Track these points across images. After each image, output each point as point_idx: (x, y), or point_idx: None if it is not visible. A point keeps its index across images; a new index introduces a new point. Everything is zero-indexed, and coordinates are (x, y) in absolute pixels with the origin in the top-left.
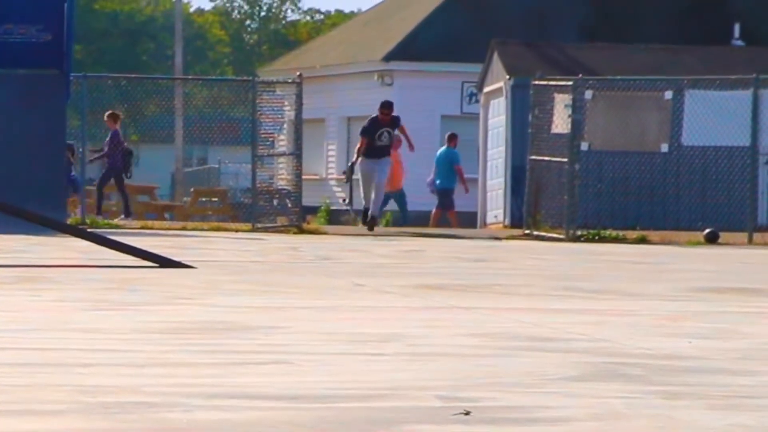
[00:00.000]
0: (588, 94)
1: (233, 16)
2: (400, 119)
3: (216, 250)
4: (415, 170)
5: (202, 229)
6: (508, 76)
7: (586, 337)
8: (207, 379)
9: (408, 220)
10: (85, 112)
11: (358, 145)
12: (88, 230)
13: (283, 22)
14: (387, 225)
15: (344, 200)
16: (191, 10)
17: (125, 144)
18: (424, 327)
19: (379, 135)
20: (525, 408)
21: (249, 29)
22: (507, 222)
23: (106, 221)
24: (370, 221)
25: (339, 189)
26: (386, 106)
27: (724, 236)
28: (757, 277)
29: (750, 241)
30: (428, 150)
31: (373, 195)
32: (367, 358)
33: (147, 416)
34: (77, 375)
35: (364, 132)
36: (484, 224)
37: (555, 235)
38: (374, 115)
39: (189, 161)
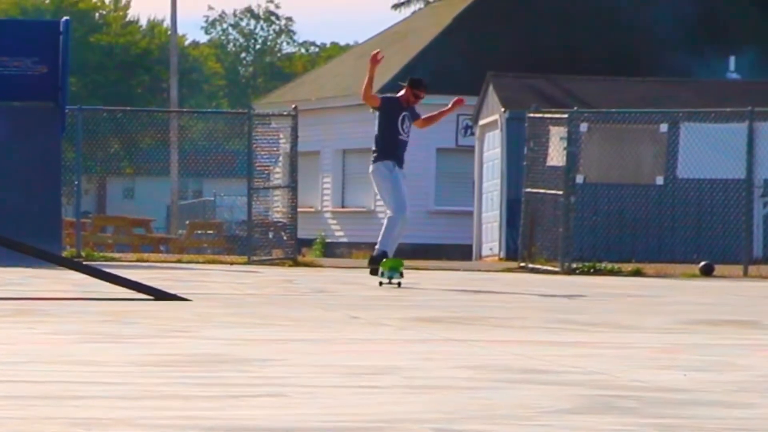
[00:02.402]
0: (583, 126)
1: (228, 49)
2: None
3: (211, 283)
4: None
5: (198, 262)
6: (503, 109)
7: (580, 369)
8: (202, 412)
9: None
10: (80, 145)
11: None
12: (84, 263)
13: (279, 54)
14: None
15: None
16: (186, 43)
17: None
18: (419, 359)
19: (401, 120)
20: None
21: (244, 62)
22: (502, 254)
23: (101, 254)
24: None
25: (334, 222)
26: (420, 84)
27: (719, 269)
28: (753, 310)
29: (745, 274)
30: (423, 183)
31: (384, 227)
32: (362, 390)
33: None
34: (71, 407)
35: (385, 104)
36: (480, 257)
37: (550, 268)
38: (396, 94)
39: (184, 194)
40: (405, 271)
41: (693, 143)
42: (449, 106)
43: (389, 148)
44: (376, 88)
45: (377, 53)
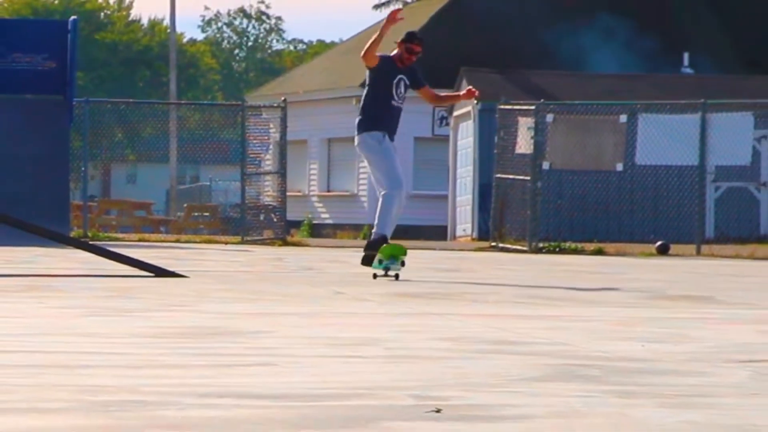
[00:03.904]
0: (549, 117)
1: (223, 46)
2: (418, 73)
3: (207, 261)
4: None
5: (195, 242)
6: (475, 101)
7: (547, 340)
8: (198, 380)
9: None
10: (87, 134)
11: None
12: (90, 243)
13: (269, 51)
14: (364, 237)
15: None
16: (184, 40)
17: None
18: (399, 332)
19: (396, 84)
20: (491, 406)
21: (237, 58)
22: (475, 235)
23: (106, 234)
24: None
25: (321, 205)
26: (414, 37)
27: (674, 248)
28: (705, 286)
29: (698, 253)
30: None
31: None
32: (347, 360)
33: (143, 414)
34: (79, 376)
35: (381, 64)
36: (454, 237)
37: (519, 247)
38: (390, 53)
39: (182, 179)
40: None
41: (650, 132)
42: (463, 92)
43: (379, 115)
44: (363, 77)
45: (397, 11)
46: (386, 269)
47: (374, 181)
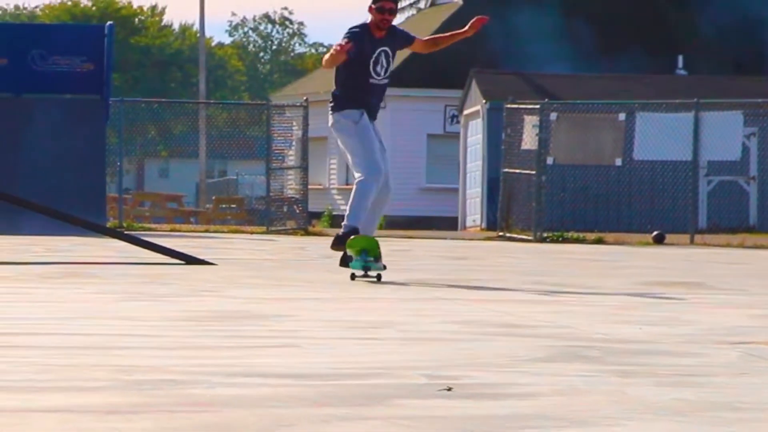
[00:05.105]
0: (553, 116)
1: (249, 49)
2: (401, 32)
3: (234, 250)
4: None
5: (222, 232)
6: (484, 101)
7: (550, 323)
8: (226, 360)
9: None
10: (122, 132)
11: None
12: (125, 233)
13: (292, 54)
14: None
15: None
16: (213, 44)
17: None
18: (412, 316)
19: (375, 59)
20: (499, 385)
21: (262, 60)
22: (483, 225)
23: (140, 224)
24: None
25: (340, 197)
26: (387, 10)
27: (669, 237)
28: (699, 273)
29: (692, 242)
30: (416, 163)
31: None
32: (364, 342)
33: (174, 392)
34: (114, 357)
35: (354, 38)
36: (464, 227)
37: (524, 237)
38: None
39: (211, 173)
40: (399, 241)
41: (647, 130)
42: (467, 27)
43: (355, 95)
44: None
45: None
46: (366, 269)
47: (351, 167)
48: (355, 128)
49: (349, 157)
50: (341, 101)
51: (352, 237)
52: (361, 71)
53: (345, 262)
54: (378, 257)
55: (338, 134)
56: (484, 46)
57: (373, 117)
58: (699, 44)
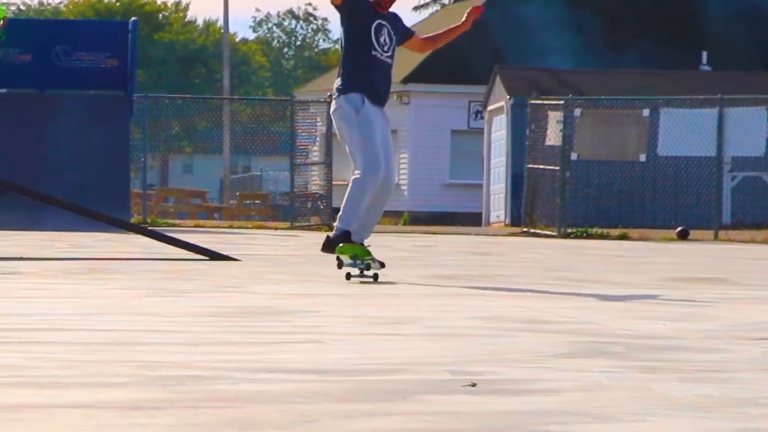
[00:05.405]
0: (577, 111)
1: (273, 45)
2: (402, 22)
3: (258, 245)
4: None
5: (246, 228)
6: (508, 96)
7: (574, 319)
8: (250, 356)
9: None
10: (146, 127)
11: None
12: (149, 228)
13: (316, 49)
14: (404, 223)
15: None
16: (237, 40)
17: None
18: (436, 311)
19: (376, 29)
20: (523, 380)
21: (286, 56)
22: (507, 221)
23: (164, 220)
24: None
25: None
26: None
27: (693, 233)
28: (722, 269)
29: (716, 238)
30: (440, 159)
31: (347, 194)
32: (388, 337)
33: (198, 387)
34: (138, 352)
35: (350, 3)
36: (488, 223)
37: (548, 233)
38: None
39: (235, 169)
40: (423, 237)
41: (671, 126)
42: (463, 20)
43: (357, 72)
44: (404, 74)
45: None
46: (363, 269)
47: (350, 158)
48: (356, 118)
49: (349, 148)
50: (344, 82)
51: (341, 245)
52: (364, 43)
53: (340, 262)
54: (371, 262)
55: (338, 123)
56: (509, 41)
57: (379, 101)
58: (724, 39)
